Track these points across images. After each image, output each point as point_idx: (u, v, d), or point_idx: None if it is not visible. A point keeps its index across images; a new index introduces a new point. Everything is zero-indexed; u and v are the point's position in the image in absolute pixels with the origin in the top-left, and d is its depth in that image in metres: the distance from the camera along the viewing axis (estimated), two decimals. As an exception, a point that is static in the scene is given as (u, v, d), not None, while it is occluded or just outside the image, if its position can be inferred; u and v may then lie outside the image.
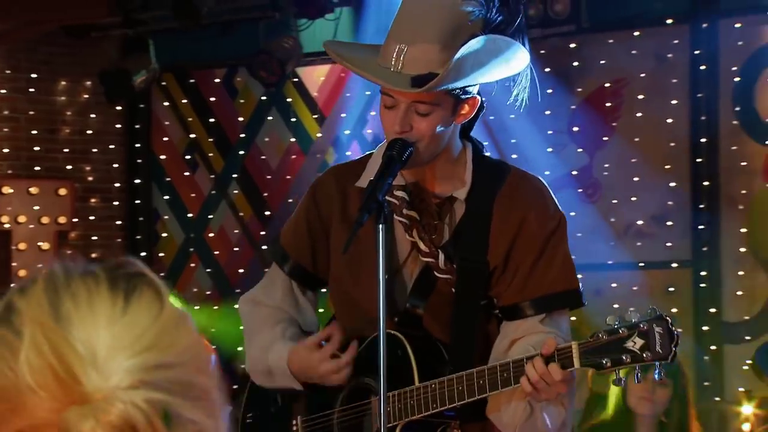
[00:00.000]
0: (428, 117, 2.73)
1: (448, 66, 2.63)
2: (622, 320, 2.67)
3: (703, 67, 7.12)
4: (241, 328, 3.22)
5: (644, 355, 2.64)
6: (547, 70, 7.13)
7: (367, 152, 3.02)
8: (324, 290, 3.22)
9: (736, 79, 7.09)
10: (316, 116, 7.93)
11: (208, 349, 1.19)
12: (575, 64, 7.24)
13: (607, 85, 7.23)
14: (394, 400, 2.82)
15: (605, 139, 7.20)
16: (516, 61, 2.79)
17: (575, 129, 7.22)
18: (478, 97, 2.84)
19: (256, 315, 3.09)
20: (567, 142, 7.19)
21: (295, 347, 2.94)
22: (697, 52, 7.13)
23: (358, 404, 2.97)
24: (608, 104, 7.22)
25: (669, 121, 7.14)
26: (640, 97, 7.19)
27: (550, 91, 7.13)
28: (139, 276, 1.19)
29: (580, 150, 7.20)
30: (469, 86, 2.77)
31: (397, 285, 2.90)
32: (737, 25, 7.09)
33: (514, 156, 6.93)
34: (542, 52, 7.07)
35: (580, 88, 7.24)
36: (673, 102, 7.17)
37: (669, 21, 7.14)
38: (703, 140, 7.09)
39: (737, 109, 7.09)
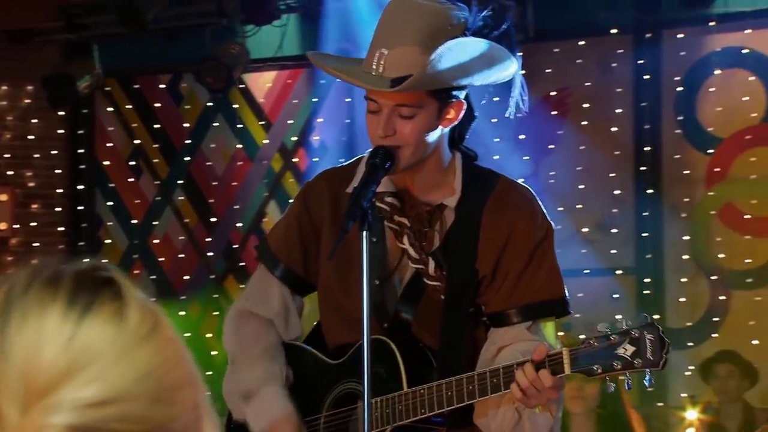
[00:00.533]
0: (412, 120, 2.74)
1: (425, 65, 2.64)
2: (613, 327, 2.67)
3: (646, 77, 7.20)
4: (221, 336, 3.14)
5: (635, 361, 2.65)
6: (494, 78, 7.18)
7: (358, 156, 2.99)
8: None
9: (679, 88, 7.18)
10: (262, 123, 7.90)
11: (182, 363, 1.07)
12: (521, 72, 7.26)
13: (552, 93, 7.28)
14: (381, 405, 2.82)
15: (551, 147, 7.25)
16: (500, 65, 2.82)
17: (521, 137, 7.26)
18: (464, 102, 2.85)
19: (251, 330, 3.04)
20: (513, 150, 7.23)
21: (282, 423, 2.93)
22: (640, 61, 7.21)
23: (345, 409, 2.96)
24: (554, 113, 7.27)
25: (613, 129, 7.21)
26: (585, 105, 7.26)
27: (496, 99, 7.16)
28: (107, 285, 1.07)
29: (526, 158, 7.24)
30: (452, 89, 2.76)
31: (387, 291, 2.90)
32: (680, 36, 7.18)
33: (460, 163, 6.95)
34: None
35: (525, 96, 7.26)
36: (618, 111, 7.24)
37: (613, 31, 7.22)
38: (647, 149, 7.17)
39: (680, 118, 7.18)
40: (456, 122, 2.86)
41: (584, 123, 7.22)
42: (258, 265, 3.12)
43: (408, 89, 2.67)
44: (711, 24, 7.12)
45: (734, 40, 7.13)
